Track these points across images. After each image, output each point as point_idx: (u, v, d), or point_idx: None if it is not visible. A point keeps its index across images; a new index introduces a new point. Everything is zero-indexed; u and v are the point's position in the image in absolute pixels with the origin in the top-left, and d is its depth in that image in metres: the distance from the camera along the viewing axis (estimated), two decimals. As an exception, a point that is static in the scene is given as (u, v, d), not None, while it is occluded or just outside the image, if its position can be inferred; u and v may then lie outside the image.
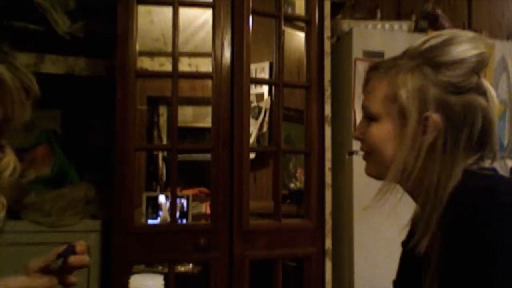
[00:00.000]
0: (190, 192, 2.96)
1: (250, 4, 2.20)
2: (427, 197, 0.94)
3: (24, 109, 0.89)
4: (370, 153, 1.03)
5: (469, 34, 0.98)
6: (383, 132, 0.99)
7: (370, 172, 1.05)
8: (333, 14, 2.56)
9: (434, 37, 0.99)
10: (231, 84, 2.17)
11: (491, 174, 0.95)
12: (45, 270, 0.96)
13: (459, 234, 0.86)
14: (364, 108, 1.04)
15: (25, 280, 0.94)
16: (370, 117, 1.02)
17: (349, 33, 2.57)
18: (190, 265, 2.75)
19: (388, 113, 0.99)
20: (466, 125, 0.94)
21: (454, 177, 0.92)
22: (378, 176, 1.04)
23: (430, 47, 0.97)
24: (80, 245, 0.98)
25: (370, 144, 1.02)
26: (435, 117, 0.94)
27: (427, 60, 0.96)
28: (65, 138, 2.59)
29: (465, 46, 0.96)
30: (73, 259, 0.96)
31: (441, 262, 0.90)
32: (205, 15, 3.00)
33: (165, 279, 2.04)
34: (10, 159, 0.90)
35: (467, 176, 0.93)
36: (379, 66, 1.03)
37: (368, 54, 2.50)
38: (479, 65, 0.96)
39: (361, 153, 1.07)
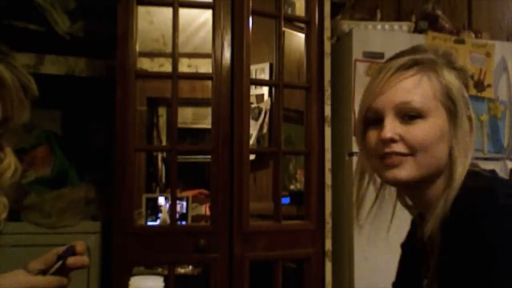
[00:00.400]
0: (190, 193, 2.95)
1: (250, 5, 2.20)
2: (439, 199, 0.94)
3: (23, 108, 0.89)
4: (413, 154, 0.93)
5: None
6: (435, 129, 0.93)
7: (409, 175, 0.93)
8: (333, 15, 2.56)
9: (437, 47, 1.02)
10: (231, 85, 2.17)
11: (490, 176, 0.95)
12: (45, 273, 0.96)
13: (459, 235, 0.86)
14: (400, 105, 0.94)
15: (29, 279, 0.93)
16: (412, 114, 0.94)
17: (349, 33, 2.57)
18: (190, 266, 2.74)
19: (437, 109, 0.94)
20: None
21: (463, 177, 0.93)
22: (417, 179, 0.94)
23: (444, 53, 0.99)
24: (80, 246, 0.98)
25: (417, 144, 0.92)
26: (473, 116, 0.96)
27: (450, 63, 0.98)
28: (65, 139, 2.59)
29: (460, 61, 1.01)
30: (72, 260, 0.96)
31: (440, 263, 0.90)
32: (205, 16, 2.99)
33: (165, 280, 2.03)
34: (11, 160, 0.89)
35: (466, 178, 0.93)
36: (412, 63, 0.97)
37: (368, 55, 2.50)
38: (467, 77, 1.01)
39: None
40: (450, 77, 0.96)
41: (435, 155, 0.93)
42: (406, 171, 0.93)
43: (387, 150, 0.94)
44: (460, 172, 0.92)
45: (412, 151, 0.93)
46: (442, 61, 0.98)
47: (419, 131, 0.93)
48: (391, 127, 0.93)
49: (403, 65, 0.96)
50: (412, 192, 1.01)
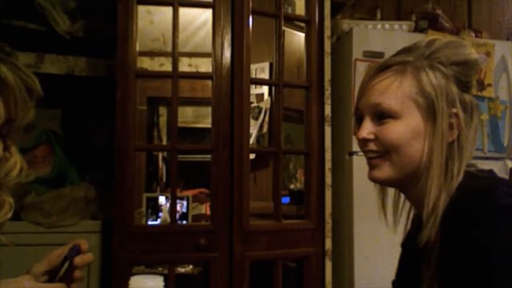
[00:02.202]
0: (190, 193, 2.96)
1: (250, 4, 2.20)
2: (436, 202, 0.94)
3: (27, 109, 0.89)
4: (388, 153, 0.97)
5: (462, 40, 1.03)
6: (408, 128, 0.95)
7: (384, 176, 0.99)
8: (333, 14, 2.56)
9: (437, 40, 1.01)
10: (231, 84, 2.17)
11: (488, 176, 0.96)
12: (51, 273, 0.96)
13: (456, 236, 0.86)
14: (374, 106, 0.98)
15: (34, 285, 0.94)
16: (384, 115, 0.97)
17: (349, 33, 2.57)
18: (190, 266, 2.75)
19: (411, 110, 0.96)
20: (473, 123, 0.98)
21: (459, 177, 0.93)
22: (394, 179, 0.98)
23: (439, 48, 0.99)
24: (83, 243, 0.99)
25: (389, 143, 0.96)
26: (460, 114, 0.96)
27: (441, 59, 0.98)
28: (65, 138, 2.59)
29: (469, 50, 0.99)
30: (79, 260, 0.97)
31: (440, 263, 0.90)
32: (205, 15, 3.00)
33: (165, 280, 2.04)
34: (17, 159, 0.90)
35: (465, 178, 0.93)
36: (389, 64, 1.00)
37: (368, 54, 2.50)
38: (478, 67, 1.02)
39: (361, 154, 1.05)
40: (430, 77, 0.97)
41: (409, 155, 0.96)
42: (382, 172, 0.98)
43: (365, 148, 1.01)
44: (436, 172, 0.94)
45: (386, 150, 0.97)
46: (426, 62, 0.98)
47: (389, 131, 0.97)
48: (366, 127, 1.00)
49: (381, 67, 1.01)
50: (405, 193, 1.03)
